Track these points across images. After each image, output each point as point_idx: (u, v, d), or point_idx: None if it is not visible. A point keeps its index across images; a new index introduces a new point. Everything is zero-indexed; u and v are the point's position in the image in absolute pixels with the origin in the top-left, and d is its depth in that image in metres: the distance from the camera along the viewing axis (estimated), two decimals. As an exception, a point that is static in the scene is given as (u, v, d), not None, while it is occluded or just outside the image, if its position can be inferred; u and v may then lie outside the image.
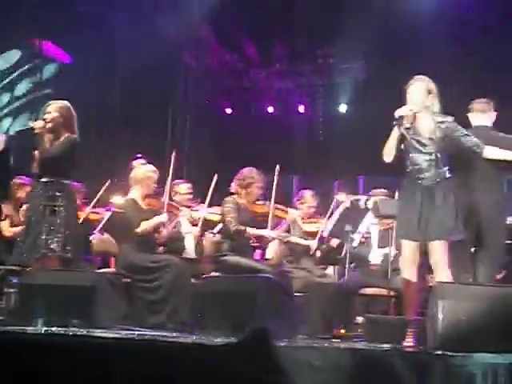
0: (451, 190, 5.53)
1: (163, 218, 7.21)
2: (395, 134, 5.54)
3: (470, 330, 4.82)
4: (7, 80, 11.30)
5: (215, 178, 7.80)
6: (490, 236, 6.20)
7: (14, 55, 11.40)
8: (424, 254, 5.59)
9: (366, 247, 7.63)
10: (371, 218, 7.49)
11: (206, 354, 3.73)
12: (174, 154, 7.65)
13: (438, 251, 5.44)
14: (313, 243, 7.68)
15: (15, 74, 11.30)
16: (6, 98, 11.28)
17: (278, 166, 7.46)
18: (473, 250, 6.28)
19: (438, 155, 5.53)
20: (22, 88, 11.40)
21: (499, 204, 6.29)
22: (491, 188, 6.25)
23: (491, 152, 5.69)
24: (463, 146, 5.64)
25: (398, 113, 5.50)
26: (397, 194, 5.96)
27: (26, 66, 11.33)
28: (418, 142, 5.55)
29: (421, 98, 5.57)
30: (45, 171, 6.53)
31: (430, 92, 5.60)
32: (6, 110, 11.22)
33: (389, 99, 10.89)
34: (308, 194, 7.99)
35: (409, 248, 5.54)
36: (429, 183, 5.50)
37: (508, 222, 6.80)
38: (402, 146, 5.60)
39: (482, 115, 6.44)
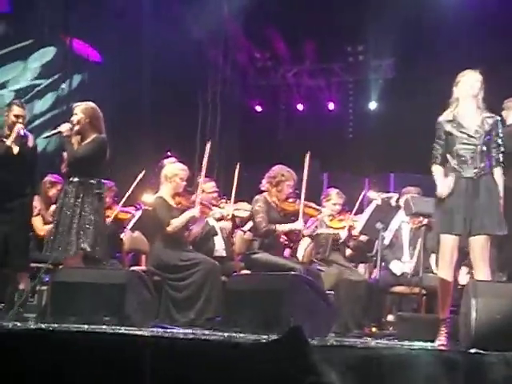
0: (496, 185, 5.47)
1: (195, 212, 7.16)
2: (440, 170, 5.56)
3: (504, 328, 4.78)
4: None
5: (237, 169, 7.75)
6: None
7: (50, 53, 11.38)
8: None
9: (397, 245, 7.58)
10: (402, 216, 7.45)
11: (240, 352, 3.71)
12: (208, 143, 7.56)
13: (480, 246, 5.39)
14: (342, 232, 7.62)
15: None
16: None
17: (308, 154, 7.37)
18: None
19: (484, 148, 5.48)
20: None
21: None
22: None
23: None
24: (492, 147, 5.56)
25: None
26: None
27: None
28: (464, 133, 5.50)
29: (477, 87, 5.53)
30: (74, 172, 6.58)
31: (482, 84, 5.55)
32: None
33: (419, 96, 10.99)
34: (333, 192, 7.94)
35: (448, 245, 5.47)
36: (474, 176, 5.45)
37: None
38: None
39: None
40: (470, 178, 5.45)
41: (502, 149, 5.54)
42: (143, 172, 8.11)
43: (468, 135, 5.49)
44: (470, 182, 5.45)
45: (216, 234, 7.68)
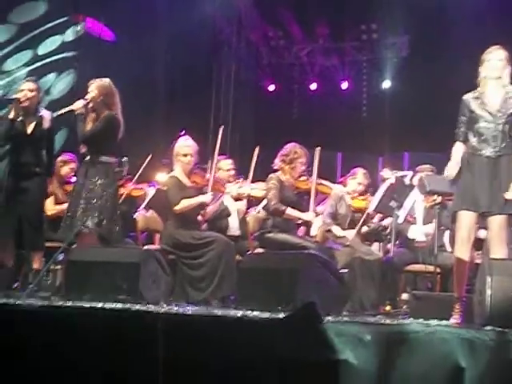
0: None
1: (206, 198, 7.14)
2: (458, 150, 5.50)
3: (519, 306, 4.77)
4: (30, 35, 10.99)
5: (257, 150, 7.74)
6: None
7: (38, 8, 11.11)
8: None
9: (411, 224, 7.56)
10: (417, 195, 7.42)
11: (253, 328, 3.72)
12: (221, 129, 7.56)
13: (498, 225, 5.35)
14: (350, 234, 7.59)
15: (39, 30, 10.99)
16: (28, 55, 11.00)
17: (317, 149, 7.37)
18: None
19: (506, 128, 5.43)
20: (46, 46, 11.14)
21: None
22: None
23: None
24: None
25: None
26: (445, 170, 5.80)
27: (50, 24, 11.06)
28: (487, 112, 5.46)
29: (501, 65, 5.47)
30: (87, 150, 6.59)
31: (507, 61, 5.50)
32: (28, 68, 10.93)
33: (433, 74, 10.93)
34: (361, 171, 7.86)
35: (466, 222, 5.41)
36: (493, 155, 5.41)
37: None
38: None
39: None
40: (489, 157, 5.41)
41: None
42: (150, 156, 8.09)
43: (490, 113, 5.44)
44: (491, 160, 5.41)
45: (229, 215, 7.67)
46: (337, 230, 7.63)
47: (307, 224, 7.52)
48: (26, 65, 10.85)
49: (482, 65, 5.51)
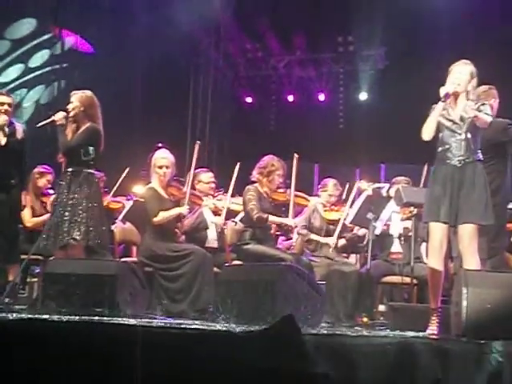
0: (482, 173, 5.46)
1: (183, 209, 7.16)
2: (438, 111, 5.47)
3: (495, 317, 4.79)
4: (21, 50, 11.17)
5: (237, 166, 7.76)
6: None
7: (29, 24, 11.27)
8: (448, 241, 5.55)
9: (387, 235, 7.59)
10: (393, 206, 7.45)
11: (231, 341, 3.71)
12: (197, 144, 7.57)
13: (468, 236, 5.37)
14: (331, 240, 7.63)
15: (30, 45, 11.17)
16: (20, 68, 11.15)
17: (296, 156, 7.42)
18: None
19: (469, 136, 5.47)
20: (37, 60, 11.28)
21: None
22: None
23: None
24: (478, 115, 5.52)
25: (443, 90, 5.43)
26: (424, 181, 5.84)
27: (43, 38, 11.23)
28: (450, 120, 5.50)
29: (465, 80, 5.51)
30: (68, 161, 6.57)
31: (472, 77, 5.54)
32: (19, 82, 11.10)
33: (409, 86, 10.99)
34: (331, 182, 7.94)
35: (437, 233, 5.44)
36: (458, 163, 5.44)
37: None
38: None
39: None
40: (455, 166, 5.45)
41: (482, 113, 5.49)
42: (127, 168, 8.06)
43: (453, 122, 5.49)
44: (456, 170, 5.44)
45: (207, 228, 7.67)
46: (317, 238, 7.66)
47: (287, 230, 7.53)
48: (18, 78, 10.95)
49: (448, 76, 5.56)
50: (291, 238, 7.91)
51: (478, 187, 5.40)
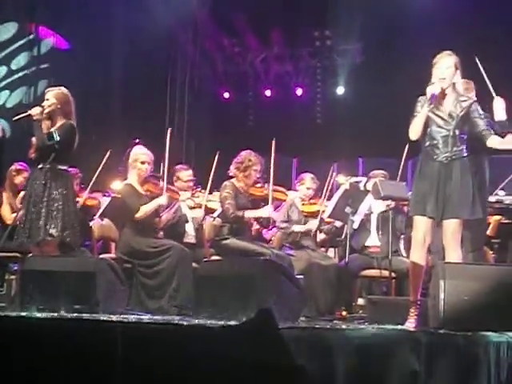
0: (468, 169, 5.48)
1: (162, 200, 7.17)
2: (425, 111, 5.48)
3: (471, 309, 4.84)
4: (4, 53, 11.18)
5: (216, 159, 7.75)
6: None
7: (11, 28, 11.27)
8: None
9: (365, 229, 7.62)
10: (371, 200, 7.48)
11: (210, 336, 3.72)
12: (169, 131, 7.57)
13: (452, 230, 5.39)
14: (313, 224, 7.67)
15: (13, 47, 11.18)
16: (3, 71, 11.15)
17: (273, 141, 7.41)
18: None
19: (456, 132, 5.48)
20: (19, 61, 11.27)
21: None
22: None
23: (493, 142, 5.57)
24: (475, 129, 5.55)
25: (429, 90, 5.45)
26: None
27: (24, 40, 11.23)
28: (438, 116, 5.50)
29: (449, 73, 5.51)
30: (42, 157, 6.54)
31: (456, 68, 5.55)
32: (3, 83, 11.11)
33: (387, 81, 11.02)
34: (308, 176, 7.96)
35: (421, 227, 5.46)
36: (444, 160, 5.46)
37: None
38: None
39: None
40: (441, 162, 5.47)
41: (479, 129, 5.53)
42: (108, 153, 8.01)
43: (441, 118, 5.50)
44: (442, 165, 5.46)
45: (187, 222, 7.68)
46: (298, 228, 7.68)
47: (265, 223, 7.54)
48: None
49: (433, 68, 5.57)
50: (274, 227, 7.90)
51: (465, 182, 5.43)
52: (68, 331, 4.13)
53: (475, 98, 5.74)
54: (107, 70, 11.80)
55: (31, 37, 11.23)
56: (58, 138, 6.47)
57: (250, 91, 13.41)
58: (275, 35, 12.67)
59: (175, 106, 12.82)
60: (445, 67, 5.51)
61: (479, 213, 5.49)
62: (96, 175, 7.86)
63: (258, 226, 7.44)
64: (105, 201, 7.79)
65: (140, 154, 7.27)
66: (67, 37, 11.52)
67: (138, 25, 11.02)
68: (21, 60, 11.28)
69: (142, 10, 11.04)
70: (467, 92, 6.21)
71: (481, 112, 5.56)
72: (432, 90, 5.46)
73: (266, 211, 7.17)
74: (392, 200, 7.15)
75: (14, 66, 11.26)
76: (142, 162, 7.23)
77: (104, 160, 7.84)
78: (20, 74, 11.27)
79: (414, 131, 5.52)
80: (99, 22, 11.20)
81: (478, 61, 6.04)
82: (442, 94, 5.50)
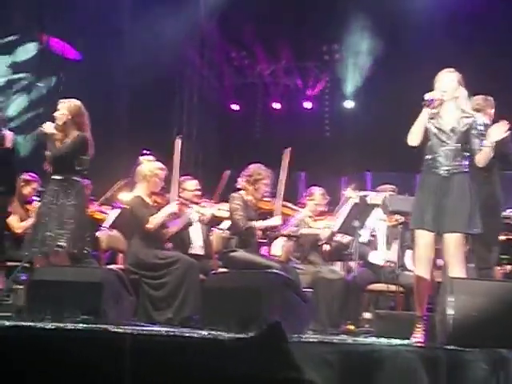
0: (469, 183, 5.47)
1: (174, 207, 7.14)
2: (423, 117, 5.48)
3: (480, 325, 4.82)
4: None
5: (227, 174, 7.73)
6: None
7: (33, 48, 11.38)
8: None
9: (373, 243, 7.62)
10: (379, 214, 7.47)
11: (219, 348, 3.72)
12: (179, 140, 7.48)
13: (453, 245, 5.37)
14: (324, 231, 7.61)
15: (16, 56, 11.28)
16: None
17: (287, 150, 7.37)
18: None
19: (458, 147, 5.49)
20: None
21: None
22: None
23: (477, 160, 5.55)
24: (470, 146, 5.56)
25: (428, 95, 5.46)
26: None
27: (28, 48, 11.31)
28: (440, 130, 5.51)
29: (451, 87, 5.53)
30: (55, 169, 6.58)
31: (459, 84, 5.56)
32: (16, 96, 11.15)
33: (394, 94, 11.04)
34: (318, 191, 7.87)
35: (422, 241, 5.46)
36: (445, 174, 5.46)
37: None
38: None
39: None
40: (441, 176, 5.47)
41: (472, 146, 5.53)
42: (122, 181, 8.02)
43: (443, 132, 5.51)
44: (443, 180, 5.46)
45: (191, 224, 7.62)
46: (307, 230, 7.64)
47: (269, 243, 7.52)
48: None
49: (435, 85, 5.58)
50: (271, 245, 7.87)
51: (464, 196, 5.42)
52: (74, 342, 4.13)
53: (481, 115, 5.72)
54: (115, 81, 11.83)
55: (36, 44, 11.27)
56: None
57: (258, 104, 13.43)
58: (284, 48, 12.71)
59: (183, 118, 12.85)
60: (446, 81, 5.53)
61: (478, 228, 5.46)
62: (110, 193, 7.89)
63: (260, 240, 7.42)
64: (114, 212, 7.80)
65: (159, 169, 7.25)
66: (76, 47, 11.56)
67: (146, 38, 11.07)
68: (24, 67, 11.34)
69: (150, 24, 11.09)
70: (486, 107, 6.23)
71: (480, 129, 5.53)
72: (431, 95, 5.48)
73: (277, 220, 7.16)
74: (400, 214, 7.14)
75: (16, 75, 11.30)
76: (160, 179, 7.25)
77: (117, 185, 7.87)
78: (24, 83, 11.30)
79: (412, 136, 5.52)
80: (107, 35, 11.26)
81: None
82: (441, 101, 5.50)
